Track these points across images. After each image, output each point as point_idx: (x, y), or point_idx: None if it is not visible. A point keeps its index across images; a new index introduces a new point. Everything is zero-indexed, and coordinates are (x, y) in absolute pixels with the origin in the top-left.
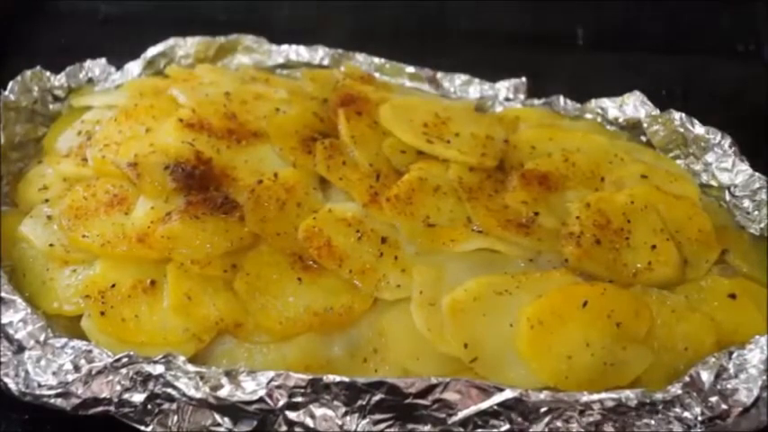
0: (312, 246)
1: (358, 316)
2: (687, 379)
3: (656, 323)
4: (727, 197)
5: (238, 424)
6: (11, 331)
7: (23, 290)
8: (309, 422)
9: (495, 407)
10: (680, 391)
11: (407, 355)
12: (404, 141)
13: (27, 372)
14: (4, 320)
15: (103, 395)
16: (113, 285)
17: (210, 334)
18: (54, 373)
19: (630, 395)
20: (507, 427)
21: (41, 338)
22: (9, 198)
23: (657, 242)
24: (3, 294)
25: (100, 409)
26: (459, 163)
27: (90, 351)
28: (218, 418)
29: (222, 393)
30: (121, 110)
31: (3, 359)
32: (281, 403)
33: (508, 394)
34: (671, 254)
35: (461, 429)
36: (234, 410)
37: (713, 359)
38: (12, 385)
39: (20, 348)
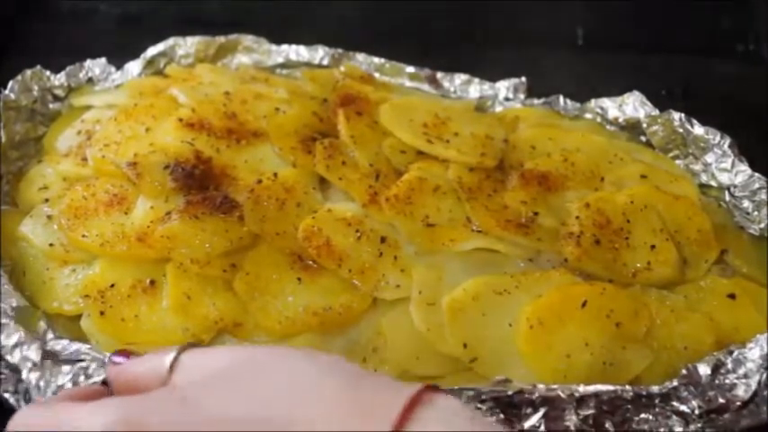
0: (311, 245)
1: (357, 316)
2: (684, 372)
3: (655, 323)
4: (727, 197)
5: None
6: (6, 356)
7: (23, 289)
8: None
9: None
10: (676, 383)
11: (407, 354)
12: (404, 141)
13: (27, 390)
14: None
15: None
16: (113, 285)
17: (210, 334)
18: (54, 394)
19: (627, 387)
20: (502, 416)
21: (38, 360)
22: (9, 198)
23: (657, 242)
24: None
25: None
26: (459, 163)
27: (87, 368)
28: None
29: None
30: (121, 109)
31: (2, 377)
32: None
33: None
34: (670, 254)
35: None
36: None
37: (712, 356)
38: (13, 401)
39: (17, 371)
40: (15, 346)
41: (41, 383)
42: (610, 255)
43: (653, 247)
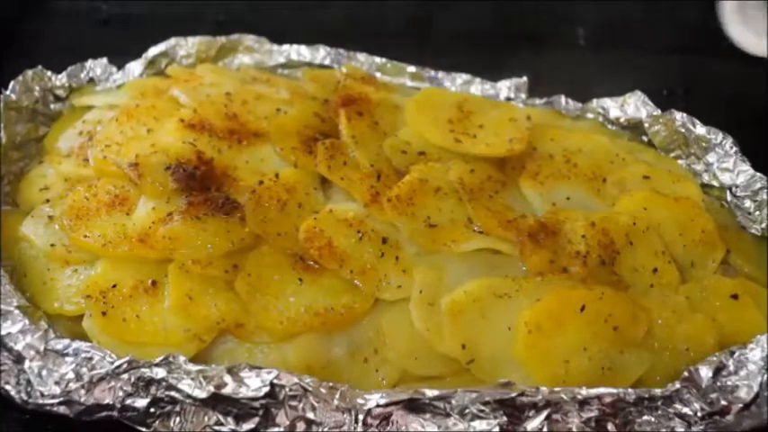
0: (313, 246)
1: (359, 316)
2: (686, 374)
3: (656, 324)
4: (729, 197)
5: (241, 422)
6: (10, 343)
7: (24, 290)
8: (311, 415)
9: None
10: (678, 386)
11: (407, 354)
12: (432, 142)
13: (29, 381)
14: (3, 332)
15: (106, 401)
16: (114, 285)
17: (211, 334)
18: (56, 383)
19: (629, 390)
20: (505, 419)
21: (41, 348)
22: (10, 198)
23: (659, 264)
24: (1, 306)
25: (103, 414)
26: (487, 158)
27: (91, 358)
28: (220, 417)
29: (226, 391)
30: (123, 110)
31: (3, 368)
32: (282, 397)
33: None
34: (672, 276)
35: (459, 419)
36: (237, 407)
37: (714, 357)
38: (14, 393)
39: (20, 359)
40: (20, 333)
41: (44, 372)
42: (613, 277)
43: (655, 270)
